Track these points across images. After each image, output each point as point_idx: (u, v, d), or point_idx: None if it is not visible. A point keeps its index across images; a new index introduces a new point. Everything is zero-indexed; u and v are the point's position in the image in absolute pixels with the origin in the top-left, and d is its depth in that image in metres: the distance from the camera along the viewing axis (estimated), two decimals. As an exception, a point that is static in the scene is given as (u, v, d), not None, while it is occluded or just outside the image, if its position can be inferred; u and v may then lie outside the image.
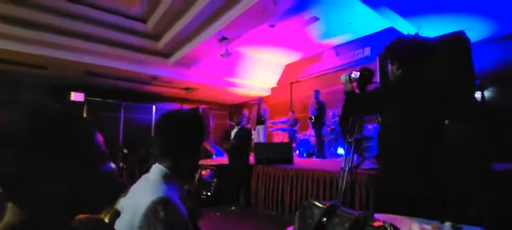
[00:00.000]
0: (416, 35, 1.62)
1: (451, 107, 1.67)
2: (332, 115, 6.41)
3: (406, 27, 4.79)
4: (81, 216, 0.64)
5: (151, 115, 9.06)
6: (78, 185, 0.51)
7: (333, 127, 6.23)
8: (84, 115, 7.39)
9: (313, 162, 4.79)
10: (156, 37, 6.44)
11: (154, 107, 9.15)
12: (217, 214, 3.90)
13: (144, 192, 0.88)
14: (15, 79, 6.62)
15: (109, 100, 8.16)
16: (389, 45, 1.67)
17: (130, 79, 7.45)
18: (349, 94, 1.79)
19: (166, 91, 8.83)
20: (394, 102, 1.59)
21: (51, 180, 0.49)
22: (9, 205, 0.48)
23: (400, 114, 1.56)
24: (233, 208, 4.24)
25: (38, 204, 0.50)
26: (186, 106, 9.31)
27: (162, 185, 0.91)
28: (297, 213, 0.58)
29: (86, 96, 7.26)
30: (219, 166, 4.48)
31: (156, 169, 0.98)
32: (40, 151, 0.47)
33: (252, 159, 4.65)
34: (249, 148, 4.80)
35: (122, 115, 8.49)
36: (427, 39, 1.63)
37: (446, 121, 1.55)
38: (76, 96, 7.10)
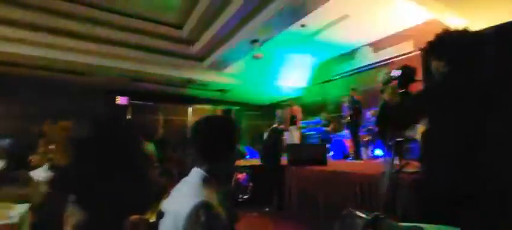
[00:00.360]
0: (465, 28, 1.48)
1: (504, 104, 1.49)
2: (369, 115, 6.12)
3: (452, 18, 4.38)
4: (133, 217, 0.70)
5: (187, 117, 9.50)
6: (132, 189, 0.57)
7: (370, 127, 5.94)
8: (128, 117, 8.02)
9: (349, 164, 4.62)
10: (191, 42, 6.73)
11: (189, 109, 9.57)
12: (254, 214, 3.94)
13: (185, 196, 0.93)
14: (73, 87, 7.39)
15: (149, 103, 8.73)
16: (435, 40, 1.54)
17: (168, 83, 7.88)
18: (386, 109, 1.69)
19: (201, 94, 9.17)
20: (439, 102, 1.47)
21: (111, 184, 0.55)
22: (70, 209, 0.55)
23: (445, 115, 1.44)
24: (267, 209, 4.25)
25: (99, 206, 0.57)
26: (219, 108, 9.58)
27: (202, 189, 0.95)
28: (337, 223, 0.57)
29: (129, 99, 7.89)
30: (253, 167, 4.53)
31: (196, 173, 1.03)
32: (102, 158, 0.54)
33: (285, 160, 4.63)
34: (281, 149, 4.78)
35: (161, 117, 9.03)
36: (477, 32, 1.48)
37: (497, 120, 1.39)
38: (121, 100, 7.76)
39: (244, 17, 5.22)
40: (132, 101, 8.08)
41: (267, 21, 4.92)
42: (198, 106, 9.67)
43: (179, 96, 9.16)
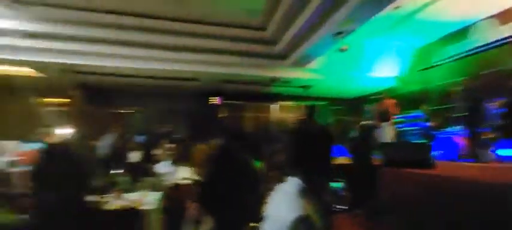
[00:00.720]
0: None
1: None
2: (491, 106, 4.91)
3: None
4: (251, 224, 0.81)
5: (270, 114, 9.93)
6: (250, 201, 0.66)
7: (494, 122, 4.76)
8: (221, 115, 9.03)
9: (465, 168, 3.81)
10: (274, 42, 6.96)
11: (272, 106, 9.94)
12: (343, 217, 3.78)
13: (284, 206, 0.98)
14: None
15: (236, 102, 9.54)
16: None
17: (254, 82, 8.38)
18: None
19: (284, 91, 9.37)
20: None
21: (236, 197, 0.66)
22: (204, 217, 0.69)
23: None
24: (358, 211, 4.00)
25: (227, 215, 0.68)
26: (303, 104, 9.56)
27: (300, 200, 0.98)
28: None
29: (223, 99, 8.88)
30: (341, 166, 4.34)
31: (293, 183, 1.06)
32: (229, 176, 0.65)
33: (376, 160, 4.22)
34: (373, 148, 4.39)
35: (247, 115, 9.74)
36: None
37: None
38: (217, 100, 8.85)
39: (328, 10, 5.01)
40: (225, 101, 9.06)
41: (353, 10, 4.57)
42: (281, 103, 9.93)
43: (263, 94, 9.61)
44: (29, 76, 7.19)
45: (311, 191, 1.04)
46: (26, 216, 1.87)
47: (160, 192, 2.68)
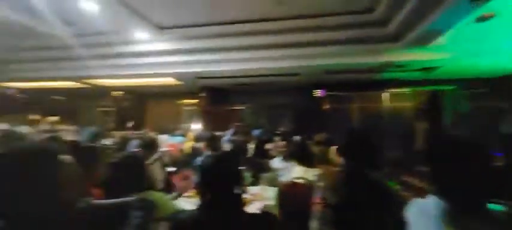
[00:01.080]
0: None
1: None
2: None
3: None
4: None
5: (383, 104, 8.89)
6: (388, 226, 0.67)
7: None
8: (325, 107, 8.83)
9: None
10: (384, 23, 6.16)
11: (385, 95, 8.87)
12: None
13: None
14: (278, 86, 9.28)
15: (343, 93, 9.04)
16: None
17: (362, 70, 7.73)
18: None
19: (399, 76, 8.22)
20: None
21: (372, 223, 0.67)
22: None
23: None
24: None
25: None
26: (424, 89, 8.12)
27: (442, 227, 0.83)
28: None
29: (326, 91, 8.66)
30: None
31: (433, 203, 0.89)
32: (363, 199, 0.67)
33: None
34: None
35: (356, 106, 9.07)
36: None
37: None
38: (319, 93, 8.72)
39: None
40: (329, 93, 8.81)
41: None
42: (395, 90, 8.76)
43: (374, 82, 8.74)
44: (171, 84, 9.27)
45: (460, 215, 0.87)
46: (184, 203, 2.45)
47: (276, 188, 2.89)
